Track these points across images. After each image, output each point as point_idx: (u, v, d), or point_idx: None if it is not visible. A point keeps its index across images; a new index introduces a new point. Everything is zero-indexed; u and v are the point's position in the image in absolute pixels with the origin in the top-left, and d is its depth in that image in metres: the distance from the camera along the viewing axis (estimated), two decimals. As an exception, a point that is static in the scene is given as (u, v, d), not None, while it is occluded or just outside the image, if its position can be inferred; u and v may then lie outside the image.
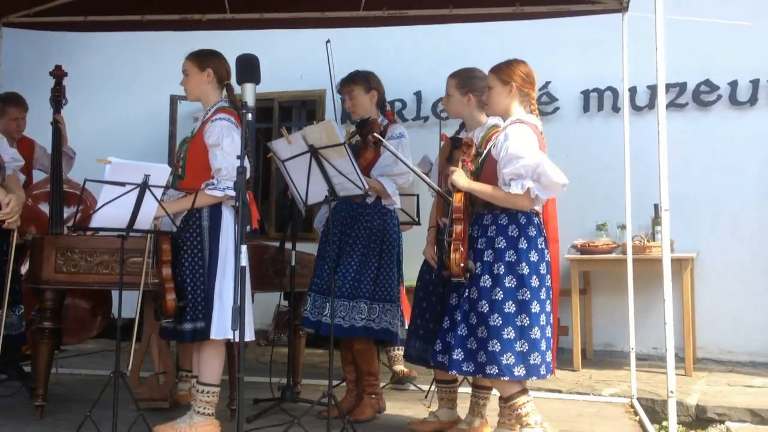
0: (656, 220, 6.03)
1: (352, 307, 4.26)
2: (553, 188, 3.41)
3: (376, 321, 4.31)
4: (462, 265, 3.42)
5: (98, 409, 3.70)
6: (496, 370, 3.36)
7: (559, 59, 6.68)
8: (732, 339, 6.21)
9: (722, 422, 4.79)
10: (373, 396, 4.42)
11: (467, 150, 3.59)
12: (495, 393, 3.78)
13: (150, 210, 3.65)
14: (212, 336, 3.75)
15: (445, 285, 3.89)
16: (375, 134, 3.99)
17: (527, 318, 3.41)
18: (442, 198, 3.78)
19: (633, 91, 6.42)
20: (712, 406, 4.85)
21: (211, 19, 5.93)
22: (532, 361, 3.40)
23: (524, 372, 3.39)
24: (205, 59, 4.01)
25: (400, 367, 5.31)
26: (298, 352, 4.97)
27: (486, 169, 3.55)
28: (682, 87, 6.46)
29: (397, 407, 4.74)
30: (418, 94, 7.24)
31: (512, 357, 3.37)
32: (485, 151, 3.62)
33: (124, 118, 7.92)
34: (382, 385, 5.11)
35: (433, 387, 4.65)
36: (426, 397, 4.93)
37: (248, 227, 4.75)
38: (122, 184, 3.51)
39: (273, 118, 7.74)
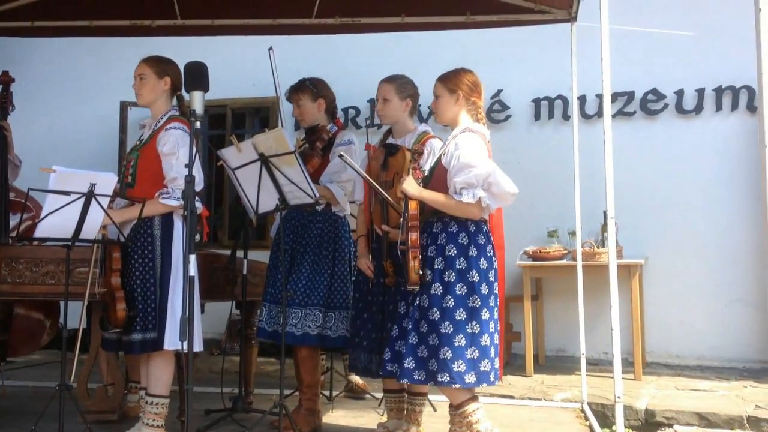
0: (605, 227, 6.12)
1: (305, 314, 4.23)
2: (504, 198, 3.45)
3: (333, 329, 4.29)
4: (421, 272, 3.43)
5: (45, 422, 3.64)
6: (448, 378, 3.38)
7: (511, 68, 6.77)
8: (680, 343, 6.34)
9: (670, 426, 4.88)
10: (310, 412, 4.31)
11: (418, 158, 3.62)
12: (443, 399, 3.78)
13: (96, 219, 3.60)
14: (165, 346, 3.71)
15: (385, 293, 3.90)
16: (342, 155, 3.98)
17: (477, 325, 3.44)
18: (391, 207, 3.78)
19: (582, 99, 6.52)
20: (661, 410, 4.93)
21: (161, 25, 5.87)
22: (482, 368, 3.43)
23: (475, 379, 3.41)
24: (165, 66, 4.00)
25: (357, 379, 5.28)
26: (250, 361, 4.93)
27: (435, 178, 3.58)
28: (630, 96, 6.58)
29: (350, 416, 4.74)
30: (371, 102, 7.25)
31: (463, 364, 3.39)
32: (435, 160, 3.63)
33: (73, 125, 7.78)
34: (336, 393, 5.12)
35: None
36: (379, 405, 4.92)
37: (198, 237, 4.73)
38: (67, 194, 3.46)
39: (226, 125, 7.67)
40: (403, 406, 4.09)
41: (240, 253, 4.69)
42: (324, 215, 4.38)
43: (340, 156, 3.98)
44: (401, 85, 4.04)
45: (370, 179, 3.88)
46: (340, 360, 5.51)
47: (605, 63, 3.92)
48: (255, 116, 7.88)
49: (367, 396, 5.22)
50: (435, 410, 4.56)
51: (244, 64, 7.25)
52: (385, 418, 4.22)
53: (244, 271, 4.65)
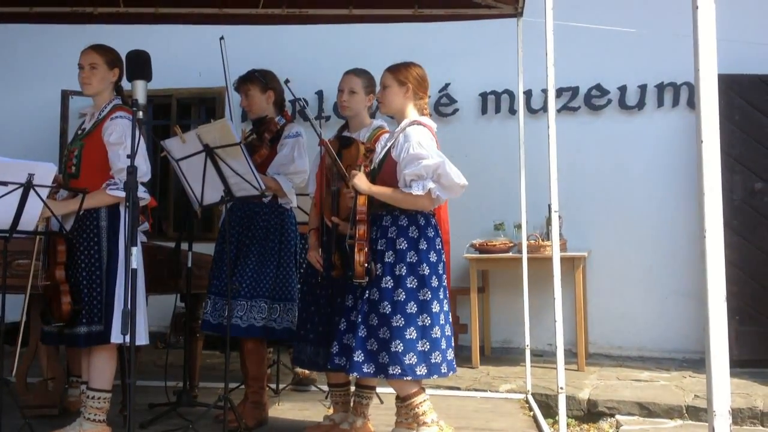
0: (550, 220, 6.19)
1: (251, 306, 4.20)
2: (453, 189, 3.46)
3: (278, 321, 4.27)
4: (366, 265, 3.43)
5: (-20, 418, 3.53)
6: (399, 370, 3.39)
7: (459, 62, 6.80)
8: (622, 335, 6.48)
9: (612, 416, 4.98)
10: (256, 405, 4.28)
11: (369, 155, 3.62)
12: (388, 392, 3.79)
13: (35, 210, 3.52)
14: (112, 339, 3.64)
15: (333, 286, 3.90)
16: (276, 123, 3.94)
17: (428, 318, 3.45)
18: (342, 176, 3.74)
19: (528, 94, 6.58)
20: (603, 400, 5.04)
21: (103, 13, 5.73)
22: (433, 360, 3.45)
23: (426, 371, 3.43)
24: (115, 57, 3.93)
25: (300, 369, 5.27)
26: (195, 354, 4.87)
27: (384, 170, 3.57)
28: (574, 91, 6.68)
29: (296, 408, 4.73)
30: (319, 93, 7.22)
31: (414, 357, 3.40)
32: (383, 153, 3.63)
33: (12, 114, 7.57)
34: (282, 386, 5.10)
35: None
36: (326, 398, 4.91)
37: (144, 227, 4.65)
38: (5, 184, 3.36)
39: (171, 115, 7.56)
40: (348, 399, 4.09)
41: (185, 246, 4.62)
42: (270, 207, 4.35)
43: (304, 109, 3.91)
44: (368, 80, 4.06)
45: (327, 145, 3.79)
46: (286, 353, 5.49)
47: (550, 58, 3.97)
48: (201, 106, 7.77)
49: (313, 387, 5.21)
50: (382, 402, 4.57)
51: (189, 53, 7.15)
52: (330, 411, 4.22)
53: (189, 264, 4.59)
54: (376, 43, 6.63)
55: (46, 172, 3.49)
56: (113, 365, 3.79)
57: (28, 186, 3.40)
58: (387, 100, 3.67)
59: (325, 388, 5.01)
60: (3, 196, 3.37)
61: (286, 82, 4.25)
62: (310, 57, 7.07)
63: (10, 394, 3.64)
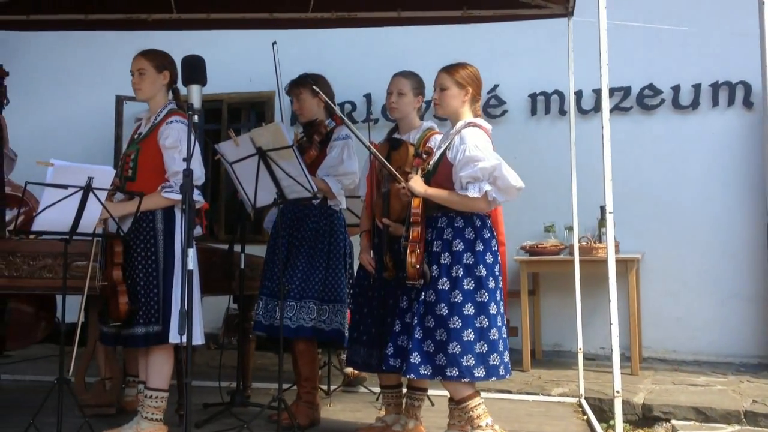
0: (602, 222, 6.12)
1: (300, 307, 4.23)
2: (510, 192, 3.43)
3: (327, 322, 4.29)
4: (418, 267, 3.42)
5: (42, 415, 3.63)
6: (457, 372, 3.37)
7: (508, 63, 6.76)
8: (677, 338, 6.35)
9: (668, 420, 4.89)
10: (309, 405, 4.32)
11: (427, 159, 3.61)
12: (439, 394, 3.77)
13: (94, 213, 3.59)
14: (170, 340, 3.70)
15: (384, 288, 3.90)
16: (326, 126, 3.99)
17: (486, 319, 3.43)
18: (395, 179, 3.75)
19: (579, 94, 6.51)
20: (658, 405, 4.95)
21: (157, 19, 5.84)
22: (491, 362, 3.43)
23: (484, 373, 3.41)
24: (164, 60, 3.99)
25: (351, 369, 5.29)
26: (248, 355, 4.92)
27: (439, 172, 3.56)
28: (626, 91, 6.58)
29: (348, 410, 4.74)
30: (367, 96, 7.24)
31: (472, 359, 3.38)
32: (438, 155, 3.62)
33: (68, 119, 7.75)
34: (334, 387, 5.12)
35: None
36: (377, 399, 4.92)
37: (198, 230, 4.73)
38: (65, 187, 3.44)
39: (222, 119, 7.66)
40: (400, 401, 4.09)
41: (237, 247, 4.68)
42: (320, 209, 4.38)
43: (343, 119, 4.00)
44: (417, 82, 4.07)
45: (376, 153, 3.82)
46: (335, 354, 5.51)
47: (603, 58, 3.92)
48: (251, 111, 7.86)
49: (363, 389, 5.22)
50: (433, 404, 4.56)
51: (239, 58, 7.24)
52: (382, 413, 4.22)
53: (242, 265, 4.64)
54: (423, 45, 6.64)
55: (105, 176, 3.57)
56: (170, 365, 3.85)
57: (87, 189, 3.47)
58: (444, 102, 3.64)
59: (376, 389, 5.03)
60: (63, 199, 3.45)
61: (274, 43, 4.26)
62: (358, 60, 7.10)
63: (70, 393, 3.71)
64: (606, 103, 3.92)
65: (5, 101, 5.18)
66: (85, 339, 4.31)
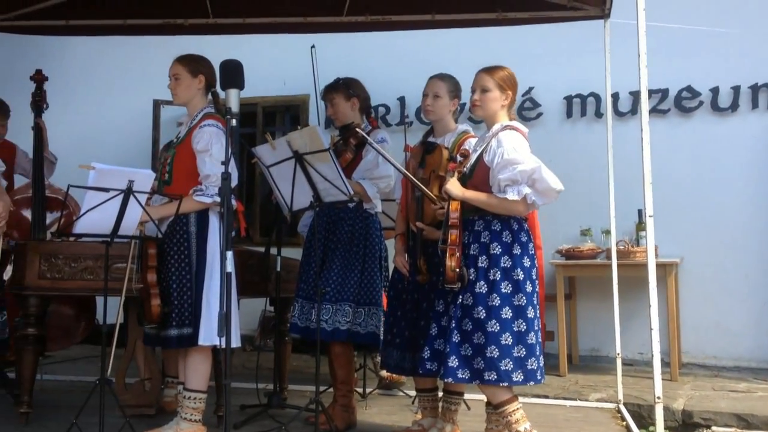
0: (640, 226, 6.06)
1: (335, 310, 4.24)
2: (549, 194, 3.40)
3: (362, 325, 4.29)
4: (457, 270, 3.41)
5: (84, 415, 3.67)
6: (495, 376, 3.35)
7: (542, 65, 6.71)
8: (716, 344, 6.25)
9: (708, 427, 4.83)
10: (345, 407, 4.32)
11: (464, 162, 3.60)
12: (477, 398, 3.75)
13: (134, 216, 3.63)
14: (200, 342, 3.73)
15: (418, 291, 3.89)
16: (359, 132, 4.01)
17: (523, 323, 3.41)
18: (428, 198, 3.76)
19: (615, 97, 6.45)
20: (698, 411, 4.89)
21: (193, 24, 5.92)
22: (529, 367, 3.40)
23: (522, 377, 3.38)
24: (198, 65, 4.00)
25: (387, 372, 5.29)
26: (284, 357, 4.94)
27: (476, 175, 3.54)
28: (664, 93, 6.51)
29: (384, 413, 4.73)
30: (401, 99, 7.24)
31: (510, 363, 3.36)
32: (474, 158, 3.60)
33: (106, 123, 7.85)
34: (369, 390, 5.12)
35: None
36: (413, 402, 4.91)
37: (234, 233, 4.75)
38: (106, 190, 3.48)
39: (256, 123, 7.71)
40: (436, 405, 4.08)
41: (273, 250, 4.70)
42: (355, 212, 4.38)
43: (365, 139, 4.00)
44: (453, 85, 4.05)
45: (404, 171, 3.84)
46: (371, 358, 5.51)
47: (642, 60, 3.89)
48: (285, 114, 7.90)
49: (400, 393, 5.21)
50: (469, 409, 4.54)
51: (274, 62, 7.29)
52: (419, 416, 4.21)
53: (278, 268, 4.66)
54: (457, 48, 6.63)
55: (145, 179, 3.60)
56: (208, 366, 3.88)
57: (128, 192, 3.51)
58: (486, 105, 3.60)
59: (412, 393, 5.02)
60: (104, 202, 3.49)
61: (312, 47, 4.24)
62: (392, 63, 7.10)
63: (111, 394, 3.75)
64: (645, 105, 3.89)
65: (45, 105, 5.27)
66: (124, 340, 4.36)
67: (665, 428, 4.71)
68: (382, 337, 4.27)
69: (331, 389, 4.50)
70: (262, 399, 4.57)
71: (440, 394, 4.07)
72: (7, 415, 4.40)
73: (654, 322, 3.73)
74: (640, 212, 6.02)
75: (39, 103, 5.23)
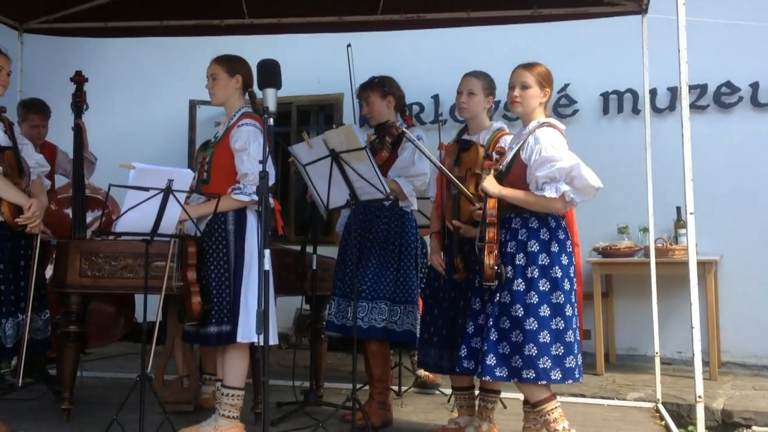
0: (678, 223, 5.99)
1: (371, 308, 4.25)
2: (587, 191, 3.38)
3: (398, 323, 4.30)
4: (495, 268, 3.40)
5: (123, 412, 3.72)
6: (533, 374, 3.33)
7: (578, 61, 6.64)
8: (757, 342, 6.13)
9: (749, 427, 4.76)
10: (381, 405, 4.33)
11: (500, 159, 3.58)
12: (513, 397, 3.74)
13: (174, 214, 3.66)
14: (238, 339, 3.76)
15: (455, 290, 3.88)
16: (405, 131, 4.01)
17: (562, 321, 3.39)
18: (465, 197, 3.75)
19: (653, 93, 6.37)
20: (738, 411, 4.82)
21: (229, 24, 5.97)
22: (567, 365, 3.38)
23: (560, 376, 3.36)
24: (235, 65, 4.03)
25: (424, 372, 5.28)
26: (320, 355, 4.96)
27: (513, 173, 3.52)
28: (702, 89, 6.41)
29: (420, 411, 4.74)
30: (435, 98, 7.22)
31: (549, 361, 3.34)
32: (511, 155, 3.59)
33: (143, 124, 7.93)
34: (405, 388, 5.12)
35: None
36: (449, 401, 4.90)
37: (270, 231, 4.79)
38: (146, 189, 3.53)
39: (291, 122, 7.75)
40: (473, 403, 4.07)
41: (309, 249, 4.72)
42: (391, 210, 4.38)
43: (404, 132, 3.98)
44: (488, 82, 4.03)
45: (441, 166, 3.83)
46: (407, 356, 5.52)
47: (683, 56, 3.84)
48: (319, 113, 7.93)
49: (437, 392, 5.21)
50: (505, 407, 4.52)
51: (308, 61, 7.30)
52: (455, 414, 4.21)
53: (314, 266, 4.68)
54: (491, 45, 6.59)
55: (185, 178, 3.64)
56: (246, 364, 3.91)
57: (168, 191, 3.55)
58: (526, 102, 3.57)
59: (448, 391, 5.01)
60: (145, 201, 3.54)
61: (348, 46, 4.24)
62: (425, 61, 7.09)
63: (151, 390, 3.80)
64: (686, 101, 3.85)
65: (85, 106, 5.35)
66: (163, 337, 4.41)
67: (706, 428, 4.66)
68: (418, 336, 4.27)
69: (367, 387, 4.51)
70: (299, 396, 4.60)
71: (477, 392, 4.06)
72: (48, 412, 4.48)
73: (695, 321, 3.69)
74: (678, 209, 5.95)
75: (79, 104, 5.29)
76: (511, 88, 3.61)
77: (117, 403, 3.80)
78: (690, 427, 4.73)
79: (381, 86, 4.50)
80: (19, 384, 4.16)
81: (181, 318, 3.89)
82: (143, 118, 7.98)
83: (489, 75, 4.09)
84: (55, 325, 4.47)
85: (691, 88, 6.28)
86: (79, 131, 5.24)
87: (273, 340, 3.79)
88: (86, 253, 4.19)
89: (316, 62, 7.34)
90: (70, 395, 4.28)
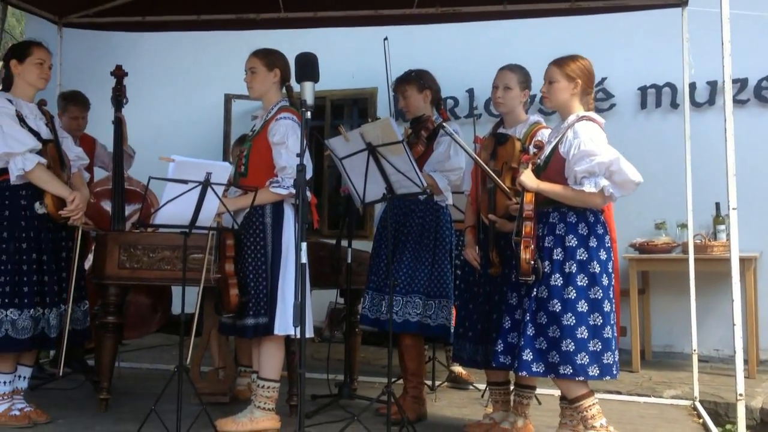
0: (717, 219, 5.90)
1: (406, 302, 4.25)
2: (627, 186, 3.35)
3: (433, 317, 4.30)
4: (532, 262, 3.38)
5: (160, 402, 3.74)
6: (570, 370, 3.31)
7: (615, 55, 6.56)
8: (796, 341, 6.04)
9: (787, 426, 4.68)
10: (416, 399, 4.34)
11: (538, 153, 3.55)
12: (548, 393, 3.71)
13: (212, 207, 3.70)
14: (275, 331, 3.79)
15: (490, 284, 3.86)
16: (444, 125, 4.01)
17: (600, 317, 3.36)
18: (502, 191, 3.73)
19: (692, 87, 6.26)
20: (778, 410, 4.74)
21: (265, 18, 5.99)
22: (605, 361, 3.35)
23: (598, 372, 3.34)
24: (273, 58, 4.05)
25: (459, 368, 5.27)
26: (354, 348, 4.98)
27: (551, 167, 3.50)
28: (743, 83, 6.30)
29: (454, 405, 4.73)
30: (470, 92, 7.18)
31: (586, 357, 3.32)
32: (549, 149, 3.56)
33: (178, 118, 7.99)
34: (438, 383, 5.12)
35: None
36: (482, 396, 4.89)
37: (306, 225, 4.81)
38: (185, 182, 3.56)
39: (325, 116, 7.77)
40: (508, 398, 4.05)
41: (344, 242, 4.73)
42: (426, 204, 4.38)
43: (442, 126, 3.96)
44: (523, 76, 4.00)
45: (479, 160, 3.82)
46: (442, 350, 5.51)
47: (726, 49, 3.78)
48: (353, 107, 7.94)
49: (470, 387, 5.20)
50: (540, 403, 4.50)
51: (342, 55, 7.28)
52: (489, 409, 4.19)
53: (349, 260, 4.69)
54: (526, 38, 6.54)
55: (223, 171, 3.68)
56: (281, 356, 3.93)
57: (206, 184, 3.58)
58: (553, 96, 3.57)
59: (481, 386, 5.00)
60: (183, 193, 3.57)
61: (385, 39, 4.21)
62: (460, 55, 7.05)
63: (189, 382, 3.84)
64: (729, 96, 3.79)
65: (125, 100, 5.40)
66: (200, 329, 4.45)
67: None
68: (453, 330, 4.26)
69: (401, 381, 4.51)
70: (333, 389, 4.61)
71: (512, 387, 4.05)
72: (87, 401, 4.54)
73: (737, 318, 3.64)
74: (717, 205, 5.86)
75: (119, 98, 5.33)
76: (544, 83, 3.61)
77: (153, 394, 3.84)
78: (728, 426, 4.68)
79: (418, 80, 4.48)
80: (60, 374, 4.22)
81: (218, 310, 3.92)
82: (178, 112, 8.04)
83: (524, 68, 4.06)
84: (93, 316, 4.53)
85: (732, 81, 6.18)
86: (119, 124, 5.28)
87: (309, 333, 3.81)
88: (125, 244, 4.24)
89: (350, 56, 7.33)
90: (108, 385, 4.34)
